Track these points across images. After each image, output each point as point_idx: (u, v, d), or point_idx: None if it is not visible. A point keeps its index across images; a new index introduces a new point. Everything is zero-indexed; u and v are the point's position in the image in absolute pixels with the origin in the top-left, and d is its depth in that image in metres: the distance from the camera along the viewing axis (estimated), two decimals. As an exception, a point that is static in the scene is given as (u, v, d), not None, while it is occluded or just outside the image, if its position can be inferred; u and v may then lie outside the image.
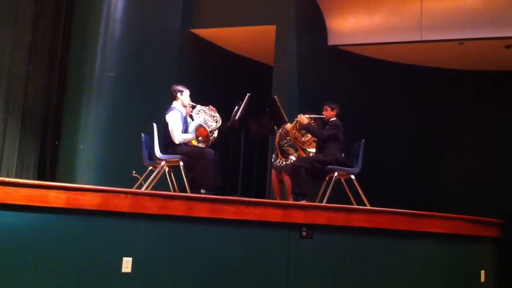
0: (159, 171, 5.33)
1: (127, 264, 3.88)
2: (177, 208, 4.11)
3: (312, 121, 5.77)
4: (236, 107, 5.69)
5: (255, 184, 7.37)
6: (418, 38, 7.36)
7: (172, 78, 6.92)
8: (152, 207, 4.01)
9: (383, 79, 8.24)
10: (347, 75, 7.98)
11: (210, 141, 5.50)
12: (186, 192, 5.01)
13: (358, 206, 5.21)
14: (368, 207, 5.25)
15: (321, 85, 7.53)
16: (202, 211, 4.19)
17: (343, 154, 5.66)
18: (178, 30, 7.54)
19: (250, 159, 6.67)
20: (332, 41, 7.83)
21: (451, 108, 8.49)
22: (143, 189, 5.15)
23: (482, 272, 5.49)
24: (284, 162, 5.83)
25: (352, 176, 5.51)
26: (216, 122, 5.51)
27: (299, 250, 4.53)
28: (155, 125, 5.45)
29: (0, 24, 6.88)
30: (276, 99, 5.83)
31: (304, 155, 5.81)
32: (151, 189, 5.21)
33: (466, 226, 5.37)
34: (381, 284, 4.82)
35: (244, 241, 4.37)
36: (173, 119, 5.26)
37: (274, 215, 4.46)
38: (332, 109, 5.74)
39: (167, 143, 5.31)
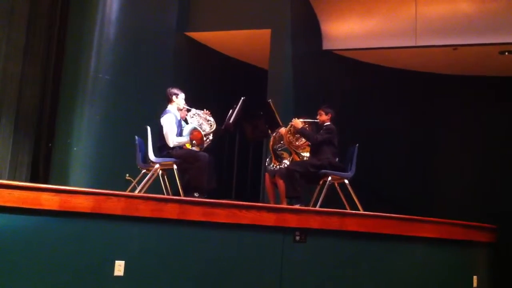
0: (153, 174, 5.32)
1: (119, 268, 3.87)
2: (170, 212, 4.10)
3: (307, 125, 5.78)
4: (231, 110, 5.69)
5: (249, 187, 7.37)
6: (412, 44, 7.39)
7: (166, 81, 6.92)
8: (145, 210, 4.00)
9: (378, 83, 8.26)
10: (341, 80, 7.99)
11: (205, 145, 5.50)
12: (180, 195, 5.00)
13: (351, 211, 5.22)
14: (362, 211, 5.26)
15: (316, 89, 7.54)
16: (195, 214, 4.19)
17: (337, 159, 5.67)
18: (173, 33, 7.54)
19: (244, 162, 6.68)
20: (327, 45, 7.85)
21: (445, 113, 8.53)
22: (136, 192, 5.14)
23: (475, 277, 5.50)
24: (278, 166, 5.82)
25: (346, 181, 5.52)
26: (211, 126, 5.50)
27: (293, 254, 4.53)
28: (149, 128, 5.44)
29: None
30: (271, 103, 5.83)
31: (298, 159, 5.81)
32: (144, 192, 5.20)
33: (458, 231, 5.39)
34: (373, 288, 4.83)
35: (238, 245, 4.37)
36: (168, 122, 5.26)
37: (268, 219, 4.45)
38: (327, 114, 5.75)
39: (162, 146, 5.31)
